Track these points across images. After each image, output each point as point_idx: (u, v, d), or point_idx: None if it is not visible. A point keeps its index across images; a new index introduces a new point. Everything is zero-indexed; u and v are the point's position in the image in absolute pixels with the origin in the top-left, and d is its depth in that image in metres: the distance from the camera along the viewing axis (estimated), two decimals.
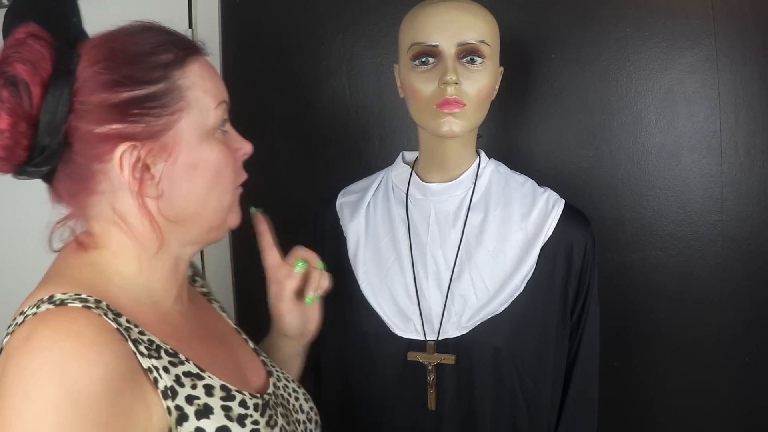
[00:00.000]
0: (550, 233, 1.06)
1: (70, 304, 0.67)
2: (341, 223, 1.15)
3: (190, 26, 1.53)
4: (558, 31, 1.41)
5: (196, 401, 0.70)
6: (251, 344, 0.93)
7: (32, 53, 0.69)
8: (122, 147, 0.70)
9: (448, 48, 0.98)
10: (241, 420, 0.73)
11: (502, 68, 1.07)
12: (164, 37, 0.75)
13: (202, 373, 0.73)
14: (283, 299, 0.96)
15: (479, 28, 1.00)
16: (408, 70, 1.02)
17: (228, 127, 0.81)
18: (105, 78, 0.69)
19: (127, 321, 0.70)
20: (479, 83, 1.00)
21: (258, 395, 0.79)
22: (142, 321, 0.72)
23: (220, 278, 1.63)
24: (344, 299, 1.11)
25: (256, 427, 0.74)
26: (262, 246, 0.97)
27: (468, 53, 0.99)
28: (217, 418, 0.71)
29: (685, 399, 1.45)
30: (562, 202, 1.09)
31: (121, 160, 0.70)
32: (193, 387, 0.71)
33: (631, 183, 1.42)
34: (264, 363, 0.90)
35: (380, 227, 1.11)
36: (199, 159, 0.75)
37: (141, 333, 0.70)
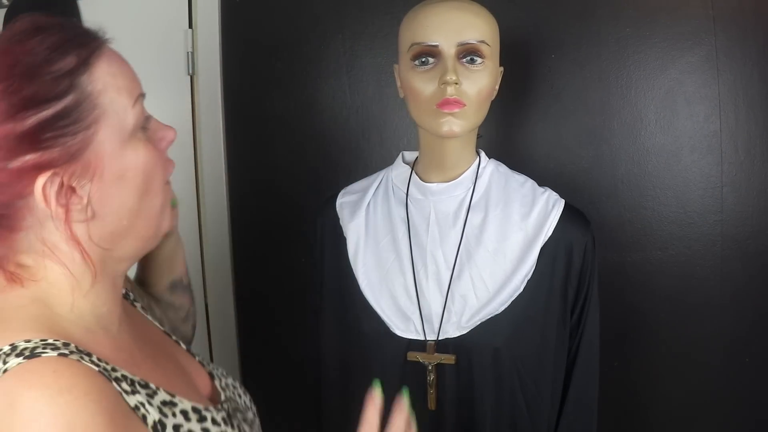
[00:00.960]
0: (550, 233, 1.06)
1: (43, 354, 0.60)
2: (341, 223, 1.15)
3: (190, 26, 1.53)
4: (558, 31, 1.41)
5: (182, 429, 0.68)
6: (183, 345, 0.89)
7: None
8: (42, 178, 0.62)
9: (448, 48, 0.98)
10: None
11: (502, 68, 1.07)
12: (59, 35, 0.65)
13: (173, 399, 0.70)
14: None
15: (479, 28, 0.99)
16: (408, 70, 1.02)
17: (148, 114, 0.72)
18: (6, 106, 0.60)
19: (98, 359, 0.64)
20: (479, 83, 1.00)
21: (219, 407, 0.77)
22: (101, 353, 0.67)
23: (220, 278, 1.63)
24: (344, 299, 1.11)
25: (219, 429, 0.73)
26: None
27: (468, 53, 0.99)
28: None
29: (685, 399, 1.45)
30: (562, 202, 1.09)
31: (44, 191, 0.63)
32: (174, 415, 0.68)
33: (631, 183, 1.42)
34: (202, 364, 0.87)
35: (380, 227, 1.11)
36: (125, 168, 0.68)
37: (114, 369, 0.65)
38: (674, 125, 1.39)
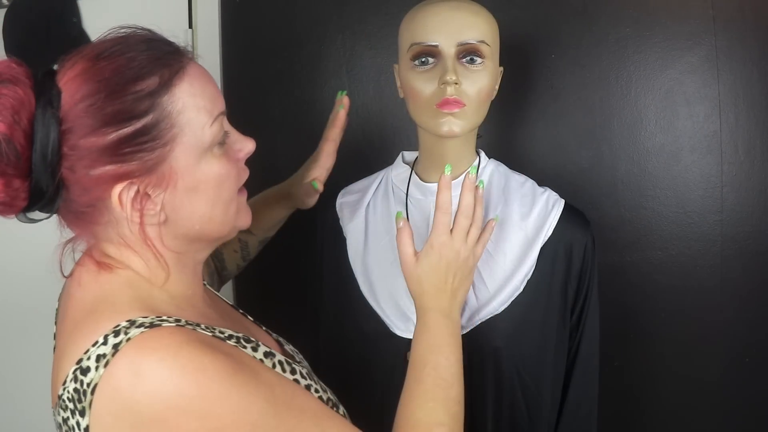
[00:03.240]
0: (549, 233, 1.06)
1: (163, 324, 0.67)
2: (341, 223, 1.15)
3: (190, 26, 1.53)
4: (558, 31, 1.41)
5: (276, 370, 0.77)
6: (250, 318, 0.96)
7: (7, 102, 0.64)
8: (119, 186, 0.69)
9: (448, 48, 0.98)
10: (307, 389, 0.80)
11: (502, 68, 1.07)
12: (147, 54, 0.70)
13: (271, 350, 0.79)
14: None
15: (479, 28, 0.99)
16: (408, 70, 1.02)
17: (228, 128, 0.78)
18: (91, 121, 0.66)
19: (205, 326, 0.73)
20: (479, 83, 1.00)
21: (300, 364, 0.85)
22: (204, 322, 0.75)
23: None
24: (344, 299, 1.11)
25: (318, 394, 0.81)
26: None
27: (468, 53, 0.99)
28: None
29: (685, 399, 1.45)
30: (562, 202, 1.09)
31: (120, 198, 0.70)
32: (273, 366, 0.77)
33: (631, 183, 1.42)
34: (268, 333, 0.94)
35: (380, 227, 1.11)
36: (198, 181, 0.73)
37: (221, 332, 0.74)
38: (674, 125, 1.39)
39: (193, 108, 0.71)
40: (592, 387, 1.12)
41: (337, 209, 1.17)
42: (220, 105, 0.76)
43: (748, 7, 1.35)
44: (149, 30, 0.74)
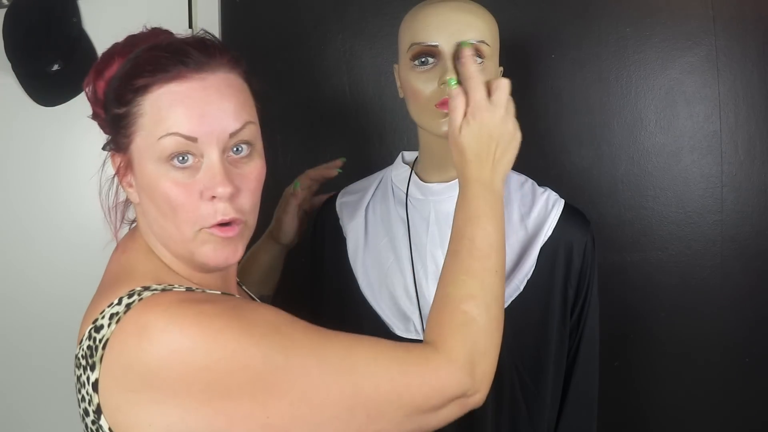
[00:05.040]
0: (549, 233, 1.06)
1: (174, 288, 0.74)
2: (341, 223, 1.15)
3: (190, 26, 1.53)
4: (558, 31, 1.41)
5: None
6: None
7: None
8: (113, 152, 0.81)
9: (448, 48, 0.98)
10: None
11: (501, 68, 1.07)
12: (161, 57, 0.75)
13: None
14: (287, 212, 1.22)
15: (479, 28, 0.99)
16: (408, 70, 1.02)
17: (206, 161, 0.74)
18: (103, 97, 0.79)
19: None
20: None
21: None
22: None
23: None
24: (344, 299, 1.11)
25: None
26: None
27: None
28: None
29: (685, 399, 1.45)
30: (562, 201, 1.09)
31: (113, 159, 0.81)
32: None
33: (631, 183, 1.42)
34: None
35: (380, 227, 1.11)
36: (148, 184, 0.76)
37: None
38: (674, 125, 1.39)
39: (154, 118, 0.74)
40: (592, 387, 1.12)
41: (336, 209, 1.17)
42: (187, 128, 0.73)
43: (748, 7, 1.35)
44: (206, 32, 0.82)
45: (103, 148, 0.83)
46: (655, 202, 1.41)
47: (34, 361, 1.55)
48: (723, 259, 1.40)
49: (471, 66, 0.90)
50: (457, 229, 0.86)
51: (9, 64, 1.45)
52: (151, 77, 0.74)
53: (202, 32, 0.81)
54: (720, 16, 1.35)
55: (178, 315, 0.68)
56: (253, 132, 0.79)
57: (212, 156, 0.74)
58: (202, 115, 0.74)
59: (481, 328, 0.78)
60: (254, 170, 0.78)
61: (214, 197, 0.74)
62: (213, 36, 0.81)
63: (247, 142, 0.77)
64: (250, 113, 0.79)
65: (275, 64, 1.55)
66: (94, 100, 0.81)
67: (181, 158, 0.74)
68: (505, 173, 0.90)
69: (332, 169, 1.27)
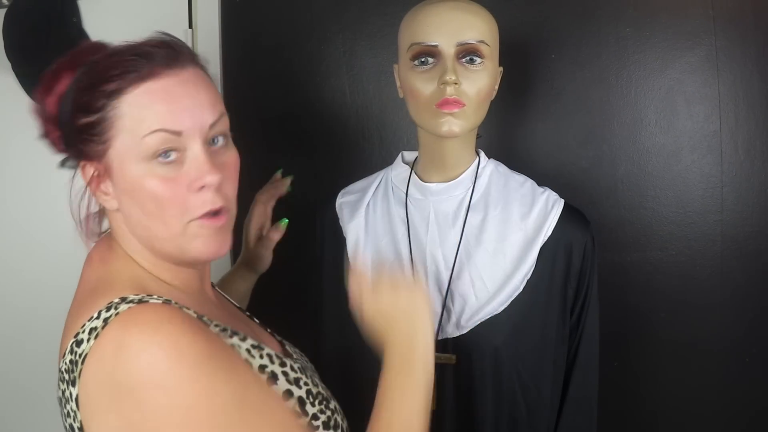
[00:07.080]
0: (549, 233, 1.06)
1: (150, 301, 0.72)
2: (341, 223, 1.15)
3: (190, 26, 1.53)
4: (558, 31, 1.41)
5: (266, 369, 0.79)
6: (256, 320, 0.98)
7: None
8: (84, 162, 0.80)
9: (448, 48, 0.98)
10: (296, 382, 0.81)
11: (501, 68, 1.07)
12: (127, 60, 0.75)
13: (260, 344, 0.81)
14: (267, 248, 1.20)
15: (479, 28, 1.00)
16: (408, 70, 1.02)
17: (190, 154, 0.76)
18: (69, 107, 0.77)
19: (194, 311, 0.76)
20: (479, 83, 1.00)
21: (294, 360, 0.85)
22: (194, 309, 0.78)
23: (220, 278, 1.63)
24: (344, 299, 1.11)
25: (308, 387, 0.82)
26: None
27: (467, 53, 0.99)
28: (282, 383, 0.79)
29: (685, 399, 1.45)
30: (562, 201, 1.09)
31: (83, 170, 0.80)
32: (261, 357, 0.79)
33: (631, 183, 1.42)
34: (272, 334, 0.95)
35: (380, 227, 1.11)
36: (132, 187, 0.76)
37: (209, 320, 0.78)
38: (674, 125, 1.39)
39: (136, 117, 0.74)
40: (591, 387, 1.12)
41: (336, 209, 1.17)
42: (172, 122, 0.75)
43: (748, 7, 1.35)
44: (162, 33, 0.80)
45: (63, 166, 0.82)
46: (655, 202, 1.41)
47: (34, 361, 1.55)
48: (723, 259, 1.40)
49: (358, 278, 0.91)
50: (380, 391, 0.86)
51: (9, 64, 1.45)
52: (122, 80, 0.74)
53: (156, 33, 0.80)
54: (720, 16, 1.35)
55: (153, 342, 0.68)
56: (227, 122, 0.81)
57: (195, 148, 0.76)
58: (184, 109, 0.75)
59: None
60: (232, 159, 0.81)
61: (202, 187, 0.76)
62: (169, 34, 0.81)
63: (223, 133, 0.80)
64: (222, 104, 0.81)
65: (275, 64, 1.55)
66: (44, 118, 0.80)
67: (165, 154, 0.75)
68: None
69: (281, 187, 1.23)
